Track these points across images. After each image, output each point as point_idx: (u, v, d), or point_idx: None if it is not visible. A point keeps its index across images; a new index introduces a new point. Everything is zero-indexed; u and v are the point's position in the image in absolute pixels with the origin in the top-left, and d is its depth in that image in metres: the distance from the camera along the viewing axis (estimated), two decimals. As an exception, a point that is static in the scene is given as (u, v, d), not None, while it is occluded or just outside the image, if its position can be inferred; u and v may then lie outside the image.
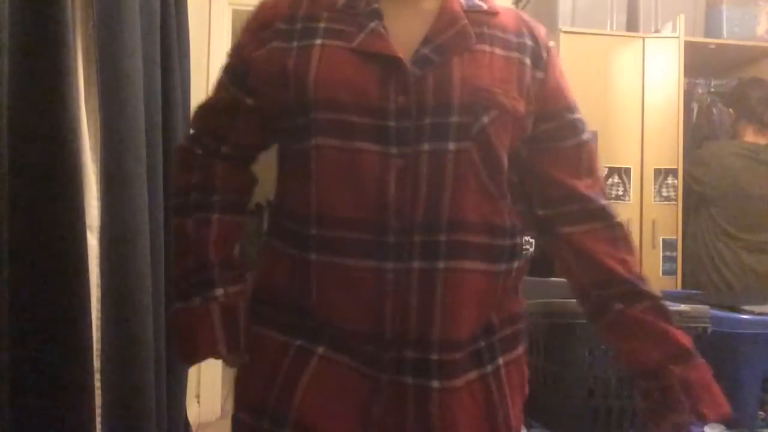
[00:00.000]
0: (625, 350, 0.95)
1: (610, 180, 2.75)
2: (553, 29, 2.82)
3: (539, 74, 0.92)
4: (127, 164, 1.33)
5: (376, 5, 0.87)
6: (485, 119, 0.84)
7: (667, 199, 2.76)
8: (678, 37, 2.78)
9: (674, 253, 2.75)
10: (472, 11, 0.90)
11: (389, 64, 0.83)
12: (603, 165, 2.73)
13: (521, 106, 0.88)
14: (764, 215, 2.61)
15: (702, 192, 2.68)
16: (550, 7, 2.89)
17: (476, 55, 0.87)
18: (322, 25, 0.87)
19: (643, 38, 2.81)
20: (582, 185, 0.95)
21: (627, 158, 2.77)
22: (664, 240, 2.76)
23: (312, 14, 0.88)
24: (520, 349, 0.96)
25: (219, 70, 0.97)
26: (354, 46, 0.84)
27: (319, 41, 0.86)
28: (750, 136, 2.70)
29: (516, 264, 0.94)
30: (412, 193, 0.82)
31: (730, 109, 2.79)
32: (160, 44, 1.64)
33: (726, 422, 1.25)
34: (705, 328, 1.22)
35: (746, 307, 1.33)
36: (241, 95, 0.93)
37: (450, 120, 0.83)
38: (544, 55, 0.94)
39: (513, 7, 3.24)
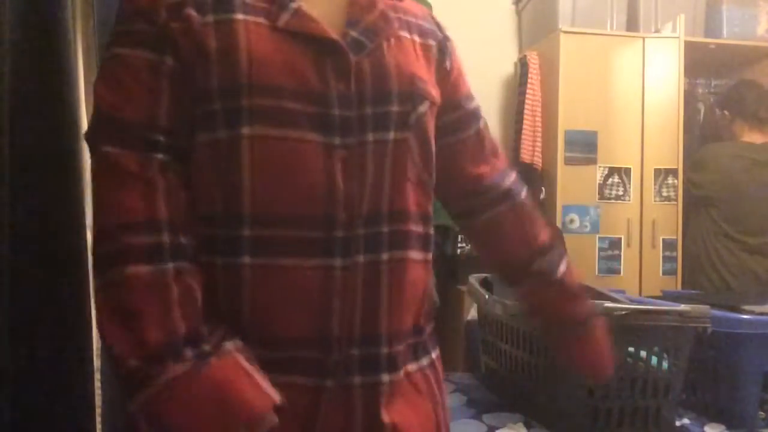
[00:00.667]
0: (547, 307, 1.01)
1: (610, 180, 2.76)
2: (553, 29, 2.82)
3: (446, 63, 0.92)
4: (127, 164, 1.33)
5: None
6: (421, 108, 0.83)
7: (667, 199, 2.77)
8: (678, 37, 2.78)
9: (674, 253, 2.75)
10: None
11: (325, 46, 0.76)
12: (603, 165, 2.75)
13: (438, 97, 0.88)
14: (763, 216, 2.61)
15: (701, 195, 2.68)
16: (550, 7, 2.89)
17: (403, 42, 0.84)
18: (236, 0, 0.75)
19: (643, 38, 2.81)
20: (488, 171, 0.97)
21: (627, 158, 2.77)
22: (664, 240, 2.76)
23: None
24: (437, 350, 0.93)
25: (108, 47, 0.78)
26: (281, 26, 0.75)
27: (240, 16, 0.75)
28: (746, 136, 2.70)
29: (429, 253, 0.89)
30: (358, 184, 0.77)
31: (725, 111, 2.80)
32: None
33: (726, 422, 1.25)
34: (705, 328, 1.22)
35: (746, 307, 1.33)
36: (163, 57, 0.74)
37: (390, 109, 0.80)
38: (448, 44, 0.93)
39: (513, 7, 3.25)
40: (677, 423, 1.24)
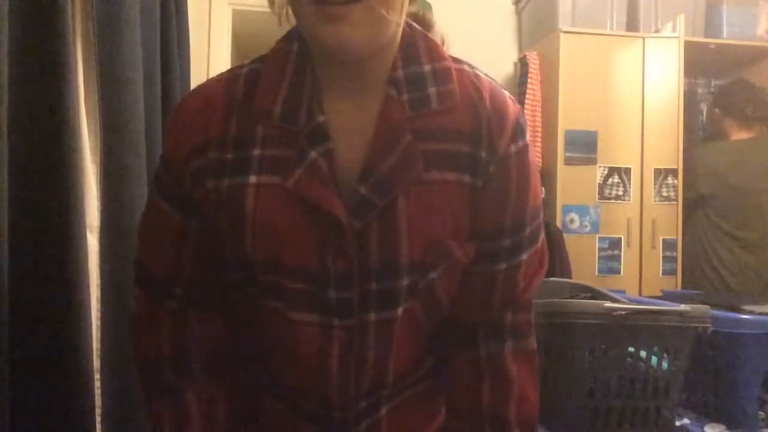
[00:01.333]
0: None
1: (610, 180, 2.76)
2: (553, 29, 2.82)
3: (480, 183, 0.73)
4: (126, 164, 1.33)
5: (321, 118, 0.70)
6: (433, 275, 0.73)
7: (667, 199, 2.77)
8: (678, 37, 2.78)
9: (674, 253, 2.75)
10: (419, 116, 0.71)
11: (328, 219, 0.69)
12: (603, 165, 2.75)
13: (472, 249, 0.74)
14: (755, 210, 2.64)
15: (696, 195, 2.71)
16: (550, 7, 2.89)
17: (425, 191, 0.70)
18: (256, 152, 0.70)
19: (643, 38, 2.81)
20: (491, 311, 0.79)
21: (627, 158, 2.77)
22: (664, 240, 2.76)
23: (245, 132, 0.71)
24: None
25: (151, 184, 0.80)
26: (289, 187, 0.69)
27: (253, 179, 0.70)
28: (735, 134, 2.76)
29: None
30: (356, 365, 0.73)
31: (717, 110, 2.85)
32: (160, 44, 1.64)
33: (726, 422, 1.25)
34: (705, 328, 1.22)
35: (746, 307, 1.33)
36: (186, 219, 0.75)
37: (399, 284, 0.71)
38: (500, 166, 0.73)
39: (513, 7, 3.25)
40: (677, 423, 1.24)
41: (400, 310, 0.72)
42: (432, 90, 0.72)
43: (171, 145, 0.75)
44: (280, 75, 0.72)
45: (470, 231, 0.74)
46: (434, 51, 0.75)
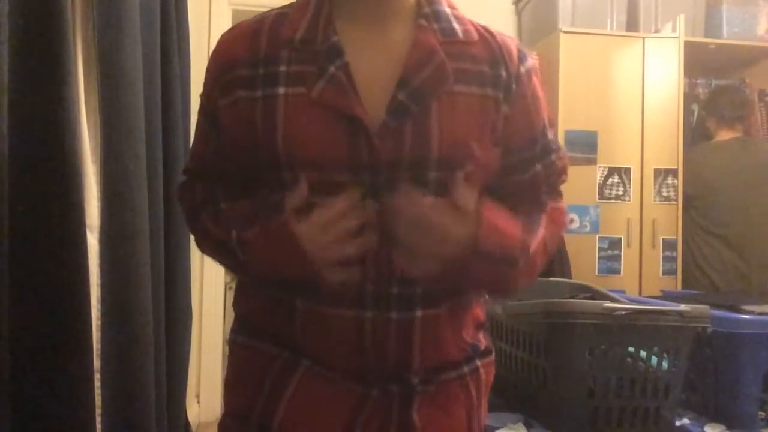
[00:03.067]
0: None
1: (610, 180, 2.76)
2: (553, 29, 2.82)
3: (505, 109, 0.87)
4: (127, 164, 1.33)
5: (335, 38, 0.82)
6: (460, 174, 0.81)
7: (667, 199, 2.77)
8: (678, 37, 2.78)
9: (674, 253, 2.75)
10: (449, 42, 0.85)
11: (354, 122, 0.79)
12: (603, 165, 2.75)
13: (494, 156, 0.87)
14: (735, 209, 2.68)
15: (686, 197, 2.76)
16: (550, 7, 2.89)
17: (455, 99, 0.83)
18: (283, 68, 0.82)
19: (643, 38, 2.81)
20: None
21: (627, 158, 2.77)
22: (664, 240, 2.76)
23: (273, 55, 0.83)
24: (488, 356, 0.99)
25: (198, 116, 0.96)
26: (314, 97, 0.80)
27: (281, 90, 0.81)
28: (718, 135, 2.83)
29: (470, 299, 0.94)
30: (387, 243, 0.80)
31: (703, 112, 2.93)
32: (160, 44, 1.64)
33: (726, 422, 1.25)
34: (705, 328, 1.22)
35: (746, 307, 1.33)
36: (210, 127, 0.90)
37: (428, 175, 0.81)
38: (517, 83, 0.88)
39: (513, 7, 3.25)
40: (677, 423, 1.24)
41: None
42: (456, 25, 0.87)
43: (209, 67, 0.89)
44: (303, 12, 0.85)
45: (500, 141, 0.87)
46: (449, 1, 0.91)
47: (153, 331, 1.44)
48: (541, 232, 0.90)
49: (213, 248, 0.91)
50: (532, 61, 0.93)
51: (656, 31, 2.89)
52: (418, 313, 0.83)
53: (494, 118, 0.85)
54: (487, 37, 0.89)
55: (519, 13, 3.25)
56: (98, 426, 1.18)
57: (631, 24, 2.91)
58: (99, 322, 1.22)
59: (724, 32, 2.93)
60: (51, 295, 1.02)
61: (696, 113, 3.11)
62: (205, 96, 0.90)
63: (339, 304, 0.82)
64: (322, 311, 0.83)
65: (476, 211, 0.79)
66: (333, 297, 0.82)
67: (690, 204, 2.76)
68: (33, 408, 0.99)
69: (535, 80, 0.92)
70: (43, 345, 1.01)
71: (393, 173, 0.80)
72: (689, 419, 1.29)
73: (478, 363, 0.94)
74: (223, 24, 3.00)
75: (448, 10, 0.88)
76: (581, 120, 2.75)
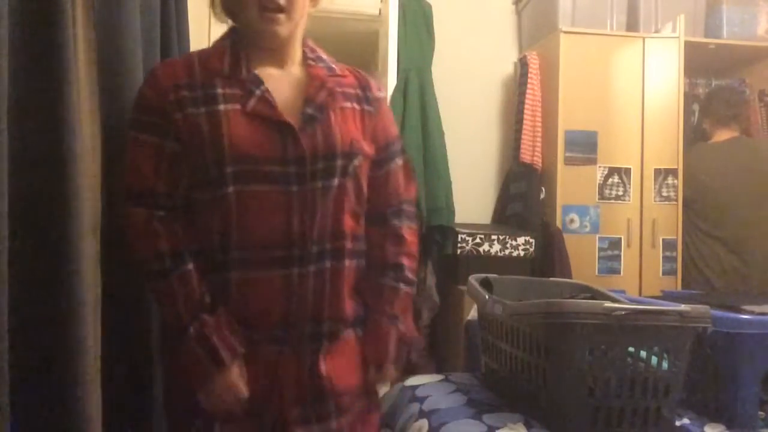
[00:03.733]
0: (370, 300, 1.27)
1: (610, 180, 2.76)
2: (553, 29, 2.83)
3: (374, 120, 1.24)
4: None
5: (254, 71, 1.15)
6: (356, 162, 1.17)
7: (667, 199, 2.77)
8: (678, 37, 2.78)
9: (674, 253, 2.75)
10: (331, 75, 1.21)
11: (283, 126, 1.11)
12: (603, 165, 2.75)
13: (369, 149, 1.22)
14: (731, 210, 2.70)
15: (684, 198, 2.76)
16: (550, 7, 2.90)
17: (344, 111, 1.19)
18: (219, 90, 1.11)
19: (643, 38, 2.82)
20: (387, 199, 1.27)
21: (627, 158, 2.77)
22: (664, 240, 2.76)
23: (207, 81, 1.12)
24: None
25: (129, 133, 1.13)
26: (249, 111, 1.10)
27: (222, 107, 1.10)
28: (715, 135, 2.86)
29: (362, 261, 1.23)
30: (309, 216, 1.11)
31: (700, 113, 2.99)
32: (160, 45, 1.64)
33: (726, 422, 1.25)
34: (705, 328, 1.22)
35: (746, 307, 1.33)
36: (165, 142, 1.11)
37: (336, 163, 1.13)
38: (377, 105, 1.26)
39: (513, 7, 3.25)
40: (677, 423, 1.24)
41: (336, 181, 1.14)
42: (333, 65, 1.24)
43: (149, 92, 1.13)
44: (222, 54, 1.16)
45: (371, 144, 1.22)
46: (321, 49, 1.27)
47: (152, 331, 1.44)
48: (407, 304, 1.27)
49: (166, 303, 1.14)
50: (383, 92, 1.31)
51: (656, 31, 2.89)
52: (328, 264, 1.14)
53: (367, 122, 1.22)
54: (353, 72, 1.27)
55: (519, 13, 3.25)
56: (99, 425, 1.17)
57: (631, 24, 2.91)
58: (99, 323, 1.22)
59: (724, 32, 2.93)
60: (51, 295, 1.02)
61: (696, 114, 3.12)
62: (156, 116, 1.11)
63: (272, 267, 1.11)
64: (257, 276, 1.11)
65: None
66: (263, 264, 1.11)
67: (688, 206, 2.77)
68: (33, 409, 0.99)
69: (387, 104, 1.32)
70: (43, 345, 1.01)
71: (312, 164, 1.11)
72: (689, 419, 1.29)
73: (360, 331, 1.23)
74: (223, 24, 2.99)
75: (325, 56, 1.25)
76: (581, 120, 2.75)
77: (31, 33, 1.00)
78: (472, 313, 1.75)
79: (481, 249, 2.66)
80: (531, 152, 2.83)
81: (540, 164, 2.83)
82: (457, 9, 3.18)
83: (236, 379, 1.10)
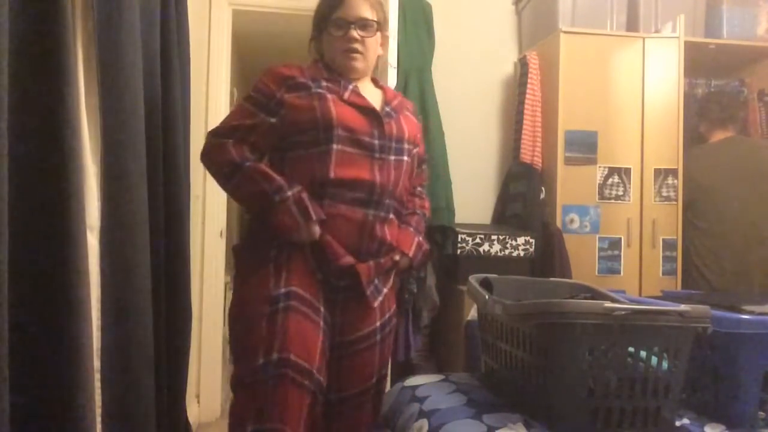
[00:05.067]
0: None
1: (610, 180, 2.76)
2: (553, 29, 2.83)
3: (419, 134, 1.76)
4: (127, 164, 1.34)
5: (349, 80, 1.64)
6: (415, 151, 1.72)
7: (667, 199, 2.77)
8: (678, 37, 2.78)
9: (674, 253, 2.75)
10: (394, 94, 1.74)
11: (371, 112, 1.59)
12: (603, 165, 2.75)
13: (421, 148, 1.81)
14: (730, 209, 2.72)
15: (684, 199, 2.77)
16: (550, 7, 2.89)
17: (407, 117, 1.70)
18: (324, 84, 1.58)
19: (643, 38, 2.81)
20: (411, 187, 1.79)
21: (627, 158, 2.77)
22: (664, 240, 2.76)
23: (315, 78, 1.59)
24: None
25: (240, 101, 1.58)
26: (345, 98, 1.58)
27: (328, 94, 1.56)
28: (712, 136, 2.89)
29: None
30: (386, 177, 1.58)
31: (698, 115, 2.97)
32: (160, 44, 1.64)
33: (726, 422, 1.25)
34: (705, 328, 1.22)
35: (746, 307, 1.33)
36: (267, 117, 1.56)
37: (404, 146, 1.64)
38: (419, 122, 1.78)
39: (513, 7, 3.25)
40: (677, 423, 1.24)
41: (405, 158, 1.64)
42: (389, 88, 1.78)
43: (267, 80, 1.58)
44: (320, 69, 1.64)
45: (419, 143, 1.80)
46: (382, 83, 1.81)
47: (153, 331, 1.44)
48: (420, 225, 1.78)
49: (250, 192, 1.54)
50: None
51: (656, 31, 2.89)
52: (389, 214, 1.63)
53: (417, 129, 1.75)
54: (399, 96, 1.77)
55: (519, 13, 3.25)
56: (98, 426, 1.18)
57: (631, 24, 2.91)
58: (99, 322, 1.22)
59: (724, 32, 2.93)
60: (51, 295, 1.02)
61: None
62: (264, 96, 1.56)
63: (355, 205, 1.55)
64: (342, 211, 1.54)
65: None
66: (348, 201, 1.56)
67: (687, 206, 2.78)
68: (33, 408, 0.99)
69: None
70: (43, 345, 1.01)
71: (388, 142, 1.59)
72: (689, 419, 1.29)
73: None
74: (223, 24, 2.99)
75: (386, 87, 1.76)
76: (581, 120, 2.75)
77: (32, 33, 1.00)
78: (472, 313, 1.74)
79: (481, 249, 2.66)
80: (531, 152, 2.83)
81: (540, 164, 2.83)
82: (457, 9, 3.18)
83: (316, 229, 1.52)
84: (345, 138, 1.52)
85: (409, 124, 1.66)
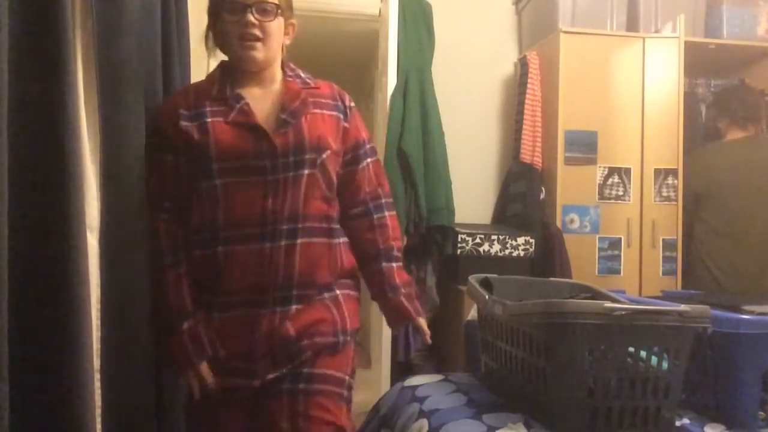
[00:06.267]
0: (375, 287, 1.59)
1: (610, 180, 2.76)
2: (553, 29, 2.83)
3: (345, 125, 1.51)
4: (126, 165, 1.33)
5: (237, 91, 1.44)
6: (324, 156, 1.43)
7: (667, 199, 2.77)
8: (678, 37, 2.78)
9: (674, 253, 2.75)
10: (306, 87, 1.49)
11: (256, 129, 1.39)
12: (603, 165, 2.75)
13: (339, 147, 1.48)
14: (747, 209, 2.66)
15: (693, 195, 2.74)
16: (550, 7, 2.89)
17: (315, 116, 1.45)
18: (207, 108, 1.42)
19: (643, 38, 2.82)
20: (366, 193, 1.55)
21: (627, 158, 2.77)
22: (664, 240, 2.76)
23: (199, 103, 1.43)
24: (354, 291, 1.54)
25: (147, 154, 1.41)
26: (230, 120, 1.40)
27: (210, 120, 1.40)
28: (730, 134, 2.81)
29: (343, 239, 1.50)
30: (281, 200, 1.38)
31: (713, 110, 2.92)
32: (161, 44, 1.64)
33: (726, 422, 1.25)
34: (705, 328, 1.22)
35: (746, 307, 1.33)
36: (166, 156, 1.42)
37: (305, 157, 1.40)
38: (348, 112, 1.52)
39: (513, 7, 3.25)
40: (677, 423, 1.24)
41: (306, 171, 1.40)
42: (309, 80, 1.52)
43: (156, 121, 1.43)
44: (213, 81, 1.48)
45: (341, 144, 1.50)
46: (301, 69, 1.55)
47: (153, 331, 1.44)
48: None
49: (159, 286, 1.41)
50: (353, 103, 1.57)
51: (656, 31, 2.89)
52: (299, 240, 1.39)
53: (338, 127, 1.49)
54: (329, 86, 1.54)
55: (519, 13, 3.25)
56: (98, 426, 1.18)
57: (631, 24, 2.91)
58: (99, 322, 1.22)
59: (724, 32, 2.93)
60: (51, 296, 1.02)
61: (704, 113, 3.09)
62: (158, 137, 1.42)
63: (249, 242, 1.37)
64: (238, 249, 1.38)
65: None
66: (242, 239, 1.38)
67: (700, 203, 2.73)
68: (33, 408, 0.99)
69: (356, 111, 1.57)
70: (43, 345, 1.01)
71: (283, 157, 1.38)
72: (689, 419, 1.29)
73: (338, 292, 1.48)
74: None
75: (303, 74, 1.53)
76: (581, 120, 2.75)
77: (32, 34, 1.00)
78: (472, 313, 1.74)
79: (481, 249, 2.66)
80: (531, 152, 2.83)
81: (540, 164, 2.83)
82: (457, 9, 3.18)
83: (207, 370, 1.40)
84: (228, 169, 1.36)
85: (313, 126, 1.42)
